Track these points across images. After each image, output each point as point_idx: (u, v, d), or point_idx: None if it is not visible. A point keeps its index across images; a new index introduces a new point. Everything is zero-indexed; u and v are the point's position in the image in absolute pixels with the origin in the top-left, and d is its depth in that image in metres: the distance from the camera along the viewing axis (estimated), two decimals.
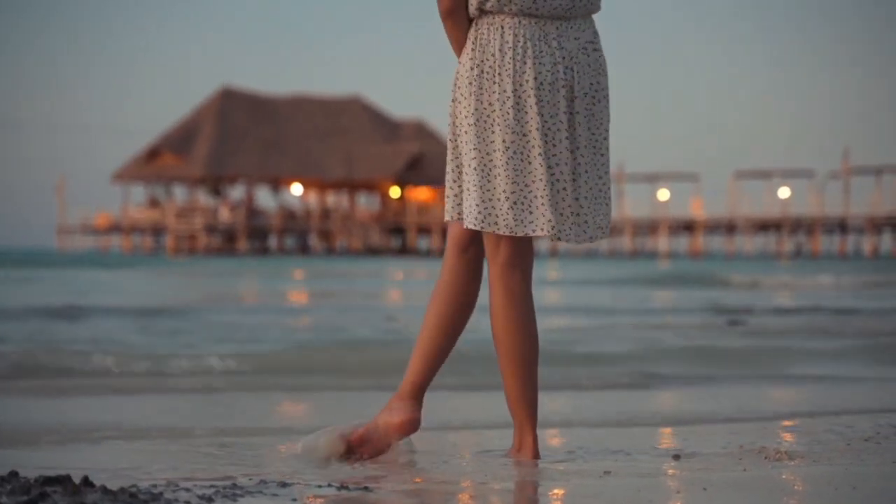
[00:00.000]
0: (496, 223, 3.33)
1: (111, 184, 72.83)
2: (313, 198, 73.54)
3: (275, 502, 2.81)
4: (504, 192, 3.31)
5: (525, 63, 3.31)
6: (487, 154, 3.33)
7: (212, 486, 2.95)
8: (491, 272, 3.41)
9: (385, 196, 73.12)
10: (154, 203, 72.14)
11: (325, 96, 75.89)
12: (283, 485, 3.02)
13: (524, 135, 3.30)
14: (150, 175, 71.48)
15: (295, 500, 2.84)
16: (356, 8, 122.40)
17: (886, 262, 53.63)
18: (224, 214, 70.18)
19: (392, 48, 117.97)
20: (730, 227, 65.95)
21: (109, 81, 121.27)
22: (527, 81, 3.30)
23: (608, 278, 30.10)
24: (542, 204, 3.29)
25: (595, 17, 3.46)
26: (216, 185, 71.82)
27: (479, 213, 3.33)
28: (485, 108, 3.33)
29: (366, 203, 75.33)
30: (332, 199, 74.49)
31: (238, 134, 72.15)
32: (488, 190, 3.33)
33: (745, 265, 45.93)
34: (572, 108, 3.33)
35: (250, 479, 3.11)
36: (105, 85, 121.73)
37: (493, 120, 3.32)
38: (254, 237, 71.38)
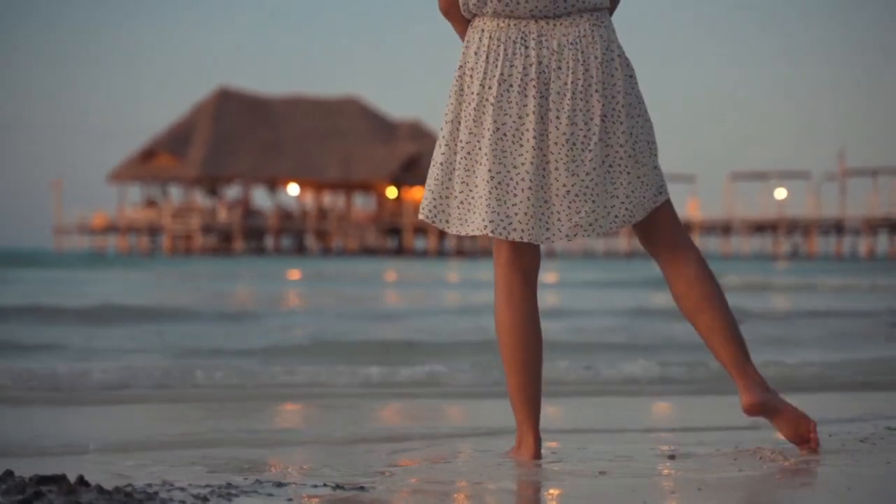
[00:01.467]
0: (447, 221, 3.40)
1: (107, 184, 72.85)
2: (310, 198, 73.54)
3: (270, 502, 2.81)
4: (454, 190, 3.38)
5: (496, 66, 3.34)
6: (454, 153, 3.39)
7: (207, 486, 2.95)
8: (495, 272, 3.44)
9: (382, 196, 73.14)
10: (150, 203, 72.12)
11: (321, 97, 75.92)
12: (279, 485, 3.02)
13: (480, 136, 3.34)
14: (147, 175, 71.47)
15: (290, 499, 2.84)
16: (353, 8, 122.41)
17: (883, 263, 53.66)
18: (221, 215, 70.15)
19: (389, 49, 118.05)
20: (726, 229, 66.00)
21: (106, 82, 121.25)
22: (493, 85, 3.33)
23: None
24: (480, 204, 3.33)
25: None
26: (212, 186, 71.81)
27: (435, 207, 3.41)
28: (461, 109, 3.39)
29: (362, 203, 75.36)
30: (328, 199, 74.53)
31: (234, 134, 72.14)
32: (447, 188, 3.40)
33: (741, 266, 45.93)
34: (547, 104, 3.32)
35: (245, 479, 3.11)
36: (101, 85, 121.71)
37: (463, 121, 3.38)
38: (250, 237, 71.37)
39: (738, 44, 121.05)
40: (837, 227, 63.28)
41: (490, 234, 3.31)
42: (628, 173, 3.35)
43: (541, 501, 2.95)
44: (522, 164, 3.30)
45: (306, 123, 73.89)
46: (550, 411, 5.08)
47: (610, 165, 3.34)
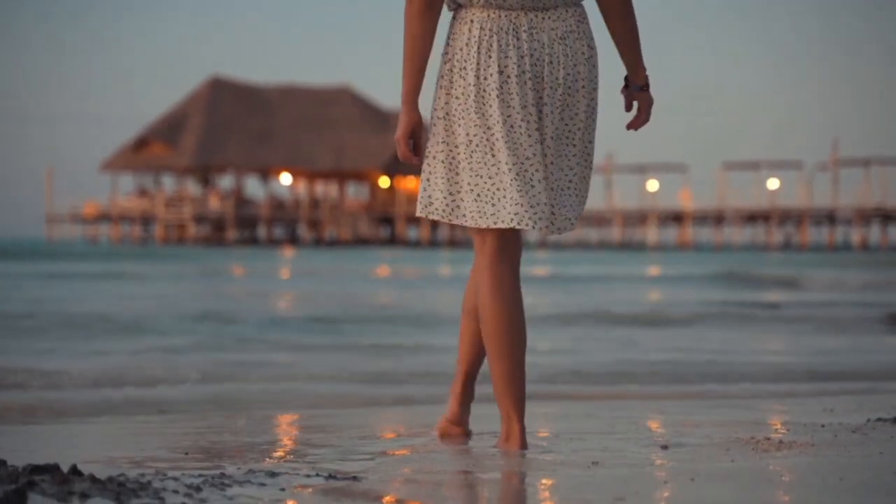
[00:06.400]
0: (464, 216, 3.37)
1: (100, 173, 72.73)
2: (302, 188, 73.47)
3: (263, 492, 2.81)
4: (469, 184, 3.35)
5: (490, 56, 3.34)
6: (455, 147, 3.38)
7: (200, 476, 2.95)
8: (479, 263, 3.43)
9: (374, 186, 73.09)
10: (143, 192, 72.02)
11: (314, 86, 75.79)
12: (272, 474, 3.02)
13: (487, 128, 3.33)
14: (139, 164, 71.35)
15: (283, 489, 2.85)
16: None
17: (875, 253, 53.72)
18: (213, 204, 70.07)
19: (382, 38, 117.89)
20: (718, 219, 66.03)
21: (98, 71, 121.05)
22: (490, 75, 3.33)
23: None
24: (506, 196, 3.32)
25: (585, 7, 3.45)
26: (205, 175, 71.70)
27: (447, 205, 3.38)
28: (453, 102, 3.38)
29: (355, 193, 75.31)
30: (321, 188, 74.44)
31: (227, 123, 72.02)
32: (455, 183, 3.38)
33: (733, 257, 45.94)
34: (541, 99, 3.33)
35: (238, 469, 3.11)
36: (94, 74, 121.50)
37: (459, 114, 3.36)
38: (243, 227, 71.31)
39: (730, 33, 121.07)
40: (830, 218, 63.35)
41: (517, 227, 3.31)
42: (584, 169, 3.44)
43: (534, 491, 2.96)
44: (534, 154, 3.32)
45: (299, 113, 73.75)
46: (547, 407, 5.08)
47: (582, 161, 3.40)
